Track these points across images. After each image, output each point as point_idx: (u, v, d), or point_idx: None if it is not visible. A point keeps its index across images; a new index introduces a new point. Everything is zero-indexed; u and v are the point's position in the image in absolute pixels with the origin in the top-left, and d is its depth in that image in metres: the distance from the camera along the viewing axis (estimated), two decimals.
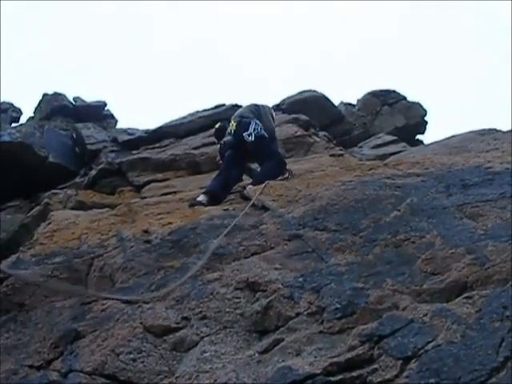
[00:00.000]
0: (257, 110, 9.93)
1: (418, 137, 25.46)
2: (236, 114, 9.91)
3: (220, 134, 10.05)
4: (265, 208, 6.40)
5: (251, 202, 6.55)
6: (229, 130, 9.57)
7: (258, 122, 9.44)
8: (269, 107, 10.47)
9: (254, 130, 9.20)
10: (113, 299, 4.92)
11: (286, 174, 9.11)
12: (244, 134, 9.14)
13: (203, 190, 8.83)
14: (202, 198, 8.31)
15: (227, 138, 9.50)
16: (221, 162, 9.76)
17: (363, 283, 4.24)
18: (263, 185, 7.22)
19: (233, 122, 9.61)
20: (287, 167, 9.36)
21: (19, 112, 22.63)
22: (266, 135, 9.32)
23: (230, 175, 9.04)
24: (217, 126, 10.50)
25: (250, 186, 7.65)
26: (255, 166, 9.79)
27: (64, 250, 6.27)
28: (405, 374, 3.13)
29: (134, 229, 6.57)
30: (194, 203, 7.94)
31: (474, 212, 5.16)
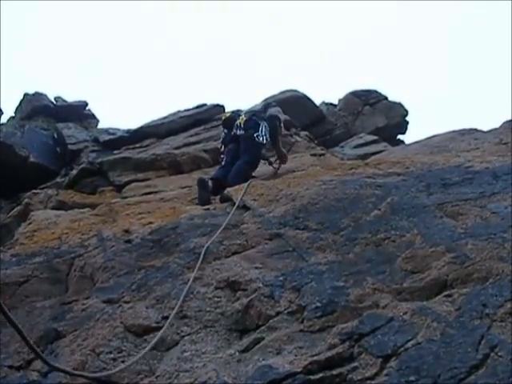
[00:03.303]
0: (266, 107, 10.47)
1: (399, 137, 25.58)
2: (249, 109, 10.38)
3: (228, 123, 10.23)
4: (246, 207, 6.40)
5: (237, 204, 6.50)
6: (237, 122, 9.73)
7: (266, 124, 9.68)
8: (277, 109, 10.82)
9: (265, 133, 9.53)
10: None
11: (277, 165, 9.46)
12: (255, 135, 9.39)
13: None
14: (210, 183, 8.77)
15: (237, 132, 9.68)
16: (222, 151, 10.05)
17: (344, 282, 4.25)
18: (246, 185, 7.23)
19: (243, 116, 9.80)
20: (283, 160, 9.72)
21: (0, 112, 22.45)
22: (266, 141, 9.59)
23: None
24: (227, 115, 10.66)
25: (230, 189, 7.68)
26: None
27: (44, 250, 6.25)
28: (385, 371, 3.14)
29: (115, 228, 6.56)
30: (201, 180, 8.55)
31: (454, 211, 5.18)
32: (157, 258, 5.53)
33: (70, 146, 17.11)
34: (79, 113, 21.85)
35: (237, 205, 6.43)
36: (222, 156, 9.91)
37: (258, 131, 9.35)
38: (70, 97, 23.02)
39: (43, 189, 14.05)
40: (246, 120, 9.59)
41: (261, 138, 9.31)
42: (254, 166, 9.33)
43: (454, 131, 11.57)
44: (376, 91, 26.84)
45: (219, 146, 10.51)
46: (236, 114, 10.19)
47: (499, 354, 3.06)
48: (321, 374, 3.27)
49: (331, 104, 27.11)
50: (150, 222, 6.59)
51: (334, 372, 3.26)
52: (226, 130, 10.16)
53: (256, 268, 4.78)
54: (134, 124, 19.27)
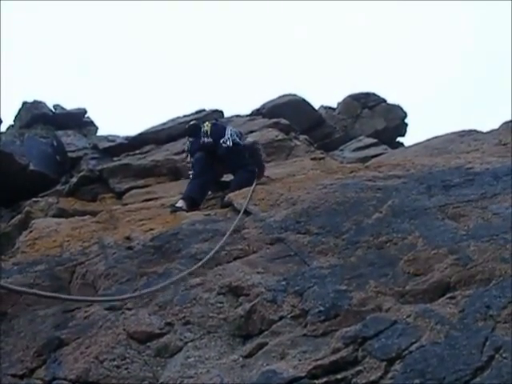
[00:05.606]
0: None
1: (399, 139, 25.56)
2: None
3: (192, 132, 9.68)
4: (247, 212, 6.38)
5: (243, 210, 6.43)
6: (203, 130, 9.28)
7: (232, 128, 9.37)
8: (253, 142, 10.24)
9: (231, 135, 9.06)
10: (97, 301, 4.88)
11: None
12: (221, 141, 8.97)
13: (181, 195, 8.74)
14: (181, 203, 8.19)
15: (204, 140, 9.16)
16: (189, 160, 9.48)
17: (346, 285, 4.25)
18: (249, 190, 7.14)
19: (207, 122, 9.47)
20: (266, 174, 9.36)
21: None
22: (242, 143, 9.21)
23: (206, 179, 8.86)
24: (191, 123, 10.22)
25: (231, 194, 7.56)
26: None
27: (46, 258, 6.23)
28: (389, 375, 3.14)
29: (116, 235, 6.54)
30: (174, 209, 7.80)
31: (456, 212, 5.18)
32: (158, 264, 5.51)
33: (69, 154, 17.05)
34: (78, 120, 21.78)
35: (242, 212, 6.37)
36: (191, 170, 9.33)
37: (226, 136, 9.01)
38: (69, 104, 23.02)
39: (43, 197, 14.03)
40: (211, 126, 9.24)
41: (227, 143, 8.89)
42: (254, 172, 8.99)
43: (453, 133, 11.62)
44: (375, 94, 26.82)
45: (185, 156, 9.99)
46: (200, 121, 9.81)
47: (504, 355, 3.06)
48: (325, 379, 3.26)
49: (330, 107, 27.05)
50: (151, 229, 6.56)
51: (339, 376, 3.26)
52: (190, 139, 9.63)
53: (258, 273, 4.78)
54: (133, 131, 19.23)
